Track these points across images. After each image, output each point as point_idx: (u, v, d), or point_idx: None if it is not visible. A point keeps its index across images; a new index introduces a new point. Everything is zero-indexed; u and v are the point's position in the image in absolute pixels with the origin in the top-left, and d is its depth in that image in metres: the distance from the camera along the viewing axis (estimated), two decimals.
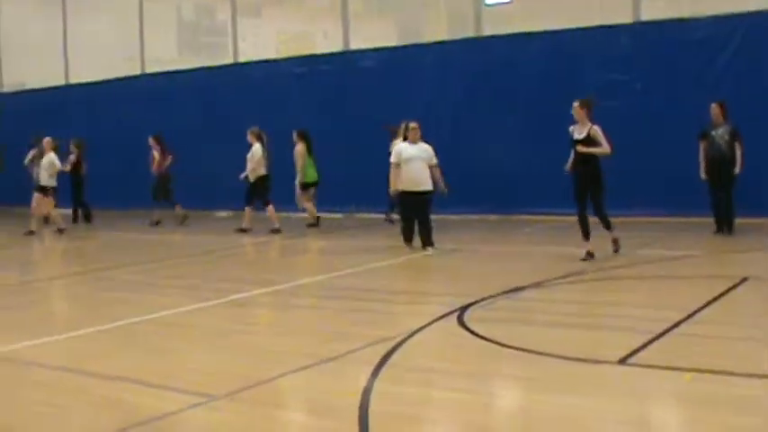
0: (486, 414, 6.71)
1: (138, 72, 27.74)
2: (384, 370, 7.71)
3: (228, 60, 25.84)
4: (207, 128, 23.35)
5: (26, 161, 24.10)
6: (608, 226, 13.98)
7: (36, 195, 21.31)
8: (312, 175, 20.58)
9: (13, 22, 31.19)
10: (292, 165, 20.51)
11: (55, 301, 12.77)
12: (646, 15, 19.16)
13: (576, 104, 13.63)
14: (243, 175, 19.93)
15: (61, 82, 29.67)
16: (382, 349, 8.37)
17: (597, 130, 13.54)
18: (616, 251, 14.04)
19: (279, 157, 20.66)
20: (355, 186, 21.85)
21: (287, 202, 21.04)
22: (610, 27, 19.32)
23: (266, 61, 24.97)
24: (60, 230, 21.15)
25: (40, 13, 30.81)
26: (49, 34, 29.62)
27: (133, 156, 24.22)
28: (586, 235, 13.76)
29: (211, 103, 24.87)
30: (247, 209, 20.27)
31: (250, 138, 20.18)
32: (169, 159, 22.37)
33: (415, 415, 6.63)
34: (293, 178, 20.38)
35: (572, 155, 13.85)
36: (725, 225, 15.90)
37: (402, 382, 7.50)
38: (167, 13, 29.63)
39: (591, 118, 13.66)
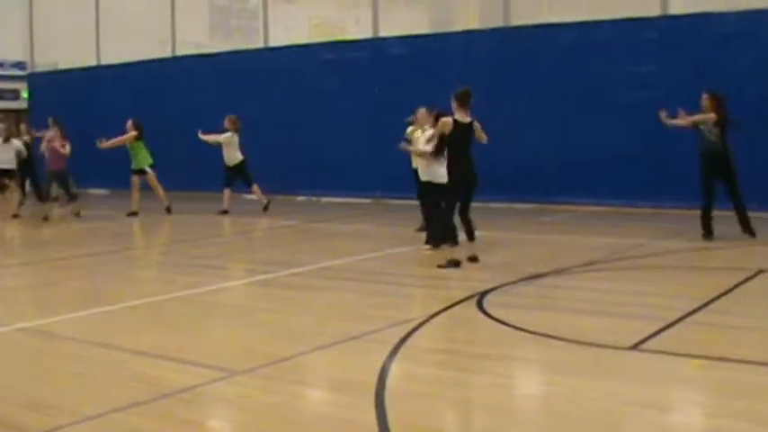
0: (500, 395, 6.89)
1: (168, 54, 28.00)
2: (402, 351, 7.91)
3: (259, 45, 26.05)
4: (234, 112, 23.29)
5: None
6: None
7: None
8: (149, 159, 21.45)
9: (46, 3, 31.49)
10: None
11: (87, 278, 13.02)
12: (673, 9, 19.23)
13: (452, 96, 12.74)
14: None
15: (93, 63, 29.97)
16: (402, 331, 8.57)
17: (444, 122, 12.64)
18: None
19: (308, 143, 21.04)
20: (381, 172, 22.07)
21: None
22: (637, 20, 19.36)
23: (296, 46, 25.12)
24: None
25: None
26: (81, 15, 29.88)
27: (162, 138, 24.40)
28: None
29: (240, 87, 25.03)
30: (226, 191, 21.11)
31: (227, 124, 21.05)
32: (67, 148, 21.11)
33: (430, 394, 6.80)
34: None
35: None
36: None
37: (419, 363, 7.72)
38: None
39: (465, 111, 12.70)
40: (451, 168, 12.74)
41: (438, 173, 13.26)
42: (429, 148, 13.33)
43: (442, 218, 12.95)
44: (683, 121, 14.92)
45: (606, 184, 19.34)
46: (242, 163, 20.84)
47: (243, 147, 20.88)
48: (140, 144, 21.04)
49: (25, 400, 6.84)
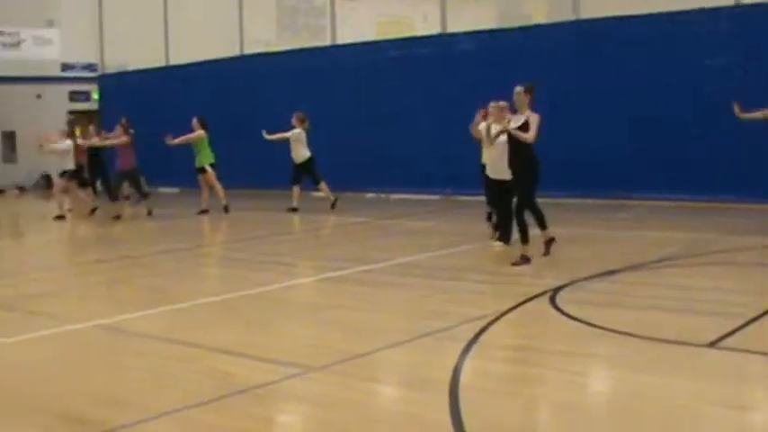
0: (574, 392, 6.81)
1: (237, 53, 28.14)
2: (476, 347, 7.85)
3: (327, 42, 26.08)
4: (302, 109, 23.06)
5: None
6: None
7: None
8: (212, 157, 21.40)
9: (115, 5, 31.79)
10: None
11: (159, 276, 13.10)
12: None
13: (519, 89, 12.58)
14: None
15: (162, 63, 30.22)
16: (475, 327, 8.51)
17: (534, 118, 12.40)
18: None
19: (376, 140, 21.08)
20: (449, 169, 21.97)
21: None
22: (709, 10, 19.07)
23: (363, 44, 25.14)
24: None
25: None
26: (150, 16, 30.12)
27: (230, 136, 24.48)
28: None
29: (308, 85, 25.05)
30: (295, 188, 21.05)
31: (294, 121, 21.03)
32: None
33: (504, 391, 6.78)
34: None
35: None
36: None
37: (493, 360, 7.68)
38: None
39: (532, 106, 12.56)
40: (529, 164, 12.52)
41: (506, 169, 12.97)
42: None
43: (518, 214, 12.72)
44: (760, 114, 14.65)
45: (685, 178, 19.02)
46: (309, 160, 20.86)
47: (311, 144, 20.88)
48: (204, 142, 21.12)
49: (100, 396, 6.89)
